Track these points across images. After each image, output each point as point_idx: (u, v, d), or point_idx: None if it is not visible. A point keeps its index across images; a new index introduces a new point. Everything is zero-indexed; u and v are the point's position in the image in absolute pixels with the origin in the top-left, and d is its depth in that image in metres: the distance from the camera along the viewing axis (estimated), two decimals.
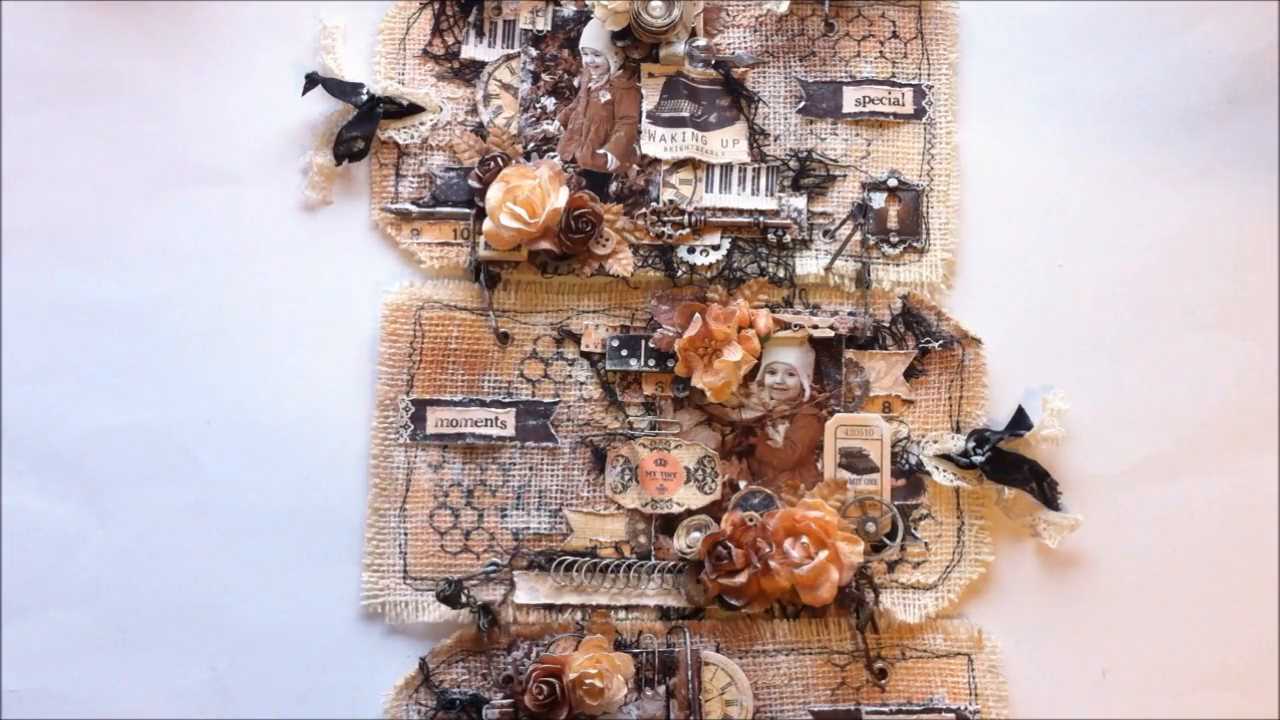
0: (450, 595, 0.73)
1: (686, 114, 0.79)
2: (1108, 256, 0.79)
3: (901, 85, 0.80)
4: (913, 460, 0.76)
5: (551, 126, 0.79)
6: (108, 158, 0.78)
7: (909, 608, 0.75)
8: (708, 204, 0.78)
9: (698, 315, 0.75)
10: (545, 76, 0.79)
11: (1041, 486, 0.75)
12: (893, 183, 0.79)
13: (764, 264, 0.78)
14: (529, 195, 0.75)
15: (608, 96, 0.79)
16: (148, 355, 0.77)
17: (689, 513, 0.76)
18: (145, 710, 0.74)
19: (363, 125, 0.78)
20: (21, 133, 0.78)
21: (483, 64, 0.79)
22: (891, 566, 0.75)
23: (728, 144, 0.79)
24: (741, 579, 0.73)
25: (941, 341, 0.77)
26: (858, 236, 0.78)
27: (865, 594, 0.74)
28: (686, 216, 0.77)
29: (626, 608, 0.75)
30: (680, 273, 0.77)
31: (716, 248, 0.78)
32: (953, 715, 0.74)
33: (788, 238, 0.78)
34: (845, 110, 0.80)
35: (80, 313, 0.77)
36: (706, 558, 0.73)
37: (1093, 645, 0.76)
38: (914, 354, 0.77)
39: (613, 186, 0.78)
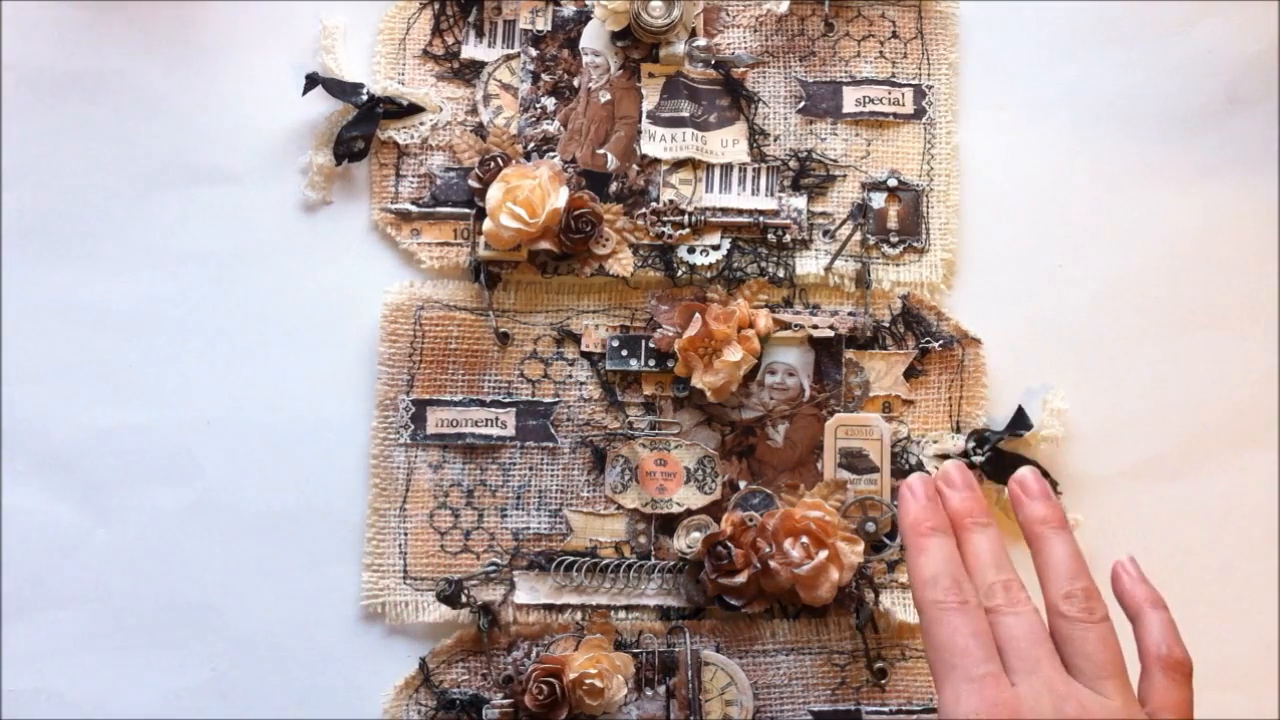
0: (450, 595, 0.73)
1: (686, 114, 0.79)
2: (1108, 256, 0.79)
3: (901, 85, 0.80)
4: (913, 460, 0.76)
5: (551, 126, 0.79)
6: (108, 158, 0.78)
7: (909, 608, 0.75)
8: (708, 204, 0.78)
9: (698, 315, 0.75)
10: (545, 76, 0.79)
11: None
12: (893, 183, 0.79)
13: (764, 264, 0.78)
14: (529, 195, 0.75)
15: (608, 96, 0.79)
16: (148, 355, 0.77)
17: (689, 513, 0.76)
18: (145, 710, 0.74)
19: (363, 125, 0.78)
20: (21, 133, 0.78)
21: (483, 64, 0.80)
22: (891, 566, 0.76)
23: (728, 144, 0.79)
24: (741, 579, 0.73)
25: (941, 341, 0.77)
26: (858, 236, 0.78)
27: (865, 594, 0.74)
28: (686, 216, 0.77)
29: (626, 608, 0.75)
30: (680, 273, 0.77)
31: (716, 248, 0.78)
32: None
33: (788, 238, 0.78)
34: (845, 110, 0.80)
35: (80, 313, 0.77)
36: (706, 558, 0.73)
37: None
38: (914, 354, 0.77)
39: (613, 186, 0.78)
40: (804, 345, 0.77)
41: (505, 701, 0.73)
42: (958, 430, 0.77)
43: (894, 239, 0.78)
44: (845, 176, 0.79)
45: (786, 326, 0.77)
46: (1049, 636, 0.57)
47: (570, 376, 0.77)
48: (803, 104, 0.80)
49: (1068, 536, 0.61)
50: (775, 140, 0.79)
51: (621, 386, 0.77)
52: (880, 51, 0.80)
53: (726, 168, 0.79)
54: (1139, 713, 0.55)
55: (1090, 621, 0.57)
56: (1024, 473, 0.64)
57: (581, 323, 0.77)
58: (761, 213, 0.78)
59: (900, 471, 0.76)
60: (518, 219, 0.74)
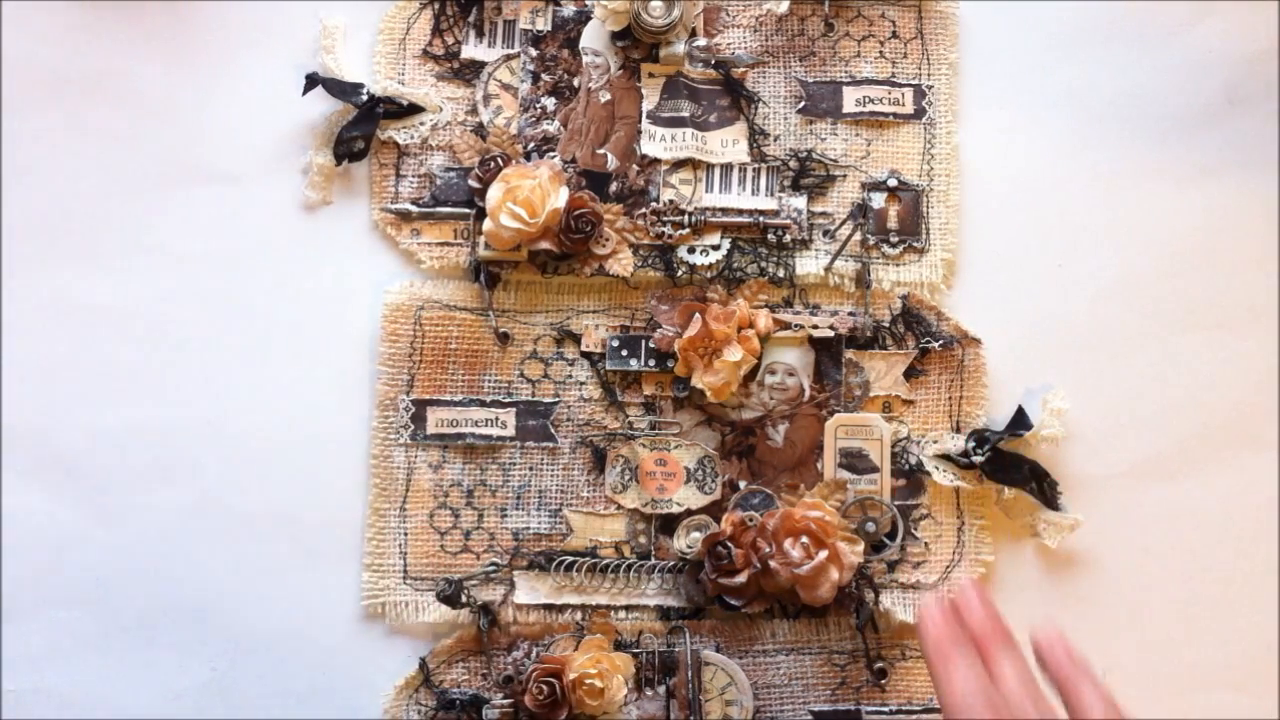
0: (450, 595, 0.73)
1: (686, 114, 0.79)
2: (1108, 256, 0.79)
3: (901, 85, 0.80)
4: (913, 460, 0.76)
5: (551, 126, 0.79)
6: (108, 158, 0.78)
7: (909, 608, 0.75)
8: (708, 204, 0.78)
9: (698, 315, 0.75)
10: (545, 76, 0.79)
11: (1041, 486, 0.75)
12: (893, 183, 0.79)
13: (764, 264, 0.78)
14: (529, 195, 0.75)
15: (608, 96, 0.79)
16: (148, 355, 0.77)
17: (689, 513, 0.76)
18: (145, 710, 0.74)
19: (363, 125, 0.78)
20: (21, 133, 0.78)
21: (483, 64, 0.79)
22: (891, 566, 0.76)
23: (728, 144, 0.79)
24: (741, 579, 0.73)
25: (941, 341, 0.77)
26: (858, 236, 0.78)
27: (865, 594, 0.74)
28: (686, 216, 0.77)
29: (626, 608, 0.75)
30: (680, 273, 0.77)
31: (716, 248, 0.78)
32: None
33: (788, 238, 0.78)
34: (845, 110, 0.80)
35: (80, 313, 0.77)
36: (706, 558, 0.73)
37: (1093, 645, 0.75)
38: (914, 354, 0.77)
39: (613, 186, 0.78)
40: (804, 345, 0.77)
41: (505, 701, 0.73)
42: (958, 430, 0.77)
43: (894, 239, 0.78)
44: (845, 176, 0.79)
45: (786, 326, 0.77)
46: None
47: (570, 376, 0.77)
48: (803, 104, 0.79)
49: (1101, 685, 0.61)
50: (775, 140, 0.79)
51: (621, 386, 0.77)
52: (880, 51, 0.80)
53: (726, 168, 0.79)
54: None
55: None
56: (1038, 635, 0.63)
57: (581, 323, 0.77)
58: (761, 213, 0.78)
59: (900, 471, 0.76)
60: (518, 219, 0.74)
